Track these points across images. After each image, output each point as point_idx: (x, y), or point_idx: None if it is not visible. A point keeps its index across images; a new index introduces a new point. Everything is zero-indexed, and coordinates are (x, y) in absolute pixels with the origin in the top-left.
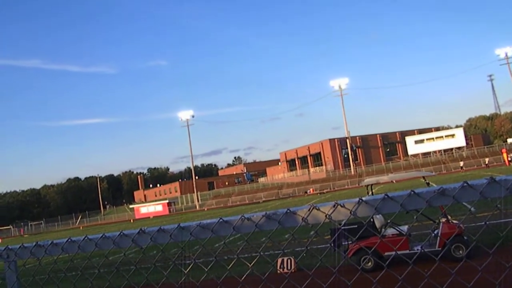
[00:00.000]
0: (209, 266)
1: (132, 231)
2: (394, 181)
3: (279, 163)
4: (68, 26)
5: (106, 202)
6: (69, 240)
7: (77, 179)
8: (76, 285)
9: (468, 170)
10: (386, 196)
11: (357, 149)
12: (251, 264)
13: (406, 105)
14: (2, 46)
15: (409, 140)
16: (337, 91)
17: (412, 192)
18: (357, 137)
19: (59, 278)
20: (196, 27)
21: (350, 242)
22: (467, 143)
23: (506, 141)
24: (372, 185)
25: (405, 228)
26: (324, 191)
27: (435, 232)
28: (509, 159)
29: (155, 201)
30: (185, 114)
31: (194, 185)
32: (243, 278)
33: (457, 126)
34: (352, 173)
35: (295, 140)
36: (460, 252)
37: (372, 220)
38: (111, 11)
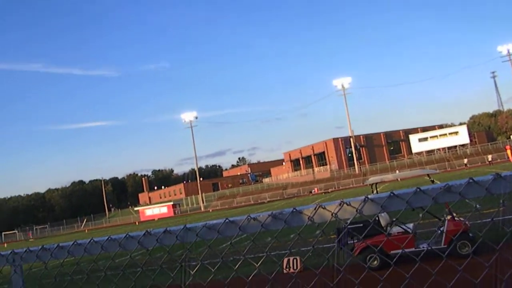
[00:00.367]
0: (216, 267)
1: (138, 233)
2: (398, 179)
3: (283, 163)
4: (70, 30)
5: (111, 205)
6: (75, 243)
7: (81, 182)
8: (83, 287)
9: (472, 168)
10: (392, 194)
11: (361, 148)
12: (258, 264)
13: (409, 103)
14: (5, 50)
15: (413, 138)
16: (340, 90)
17: (418, 189)
18: (361, 136)
19: (65, 281)
20: (197, 29)
21: (356, 240)
22: (470, 140)
23: (510, 138)
24: (376, 183)
25: (410, 226)
26: (329, 190)
27: (441, 229)
28: None
29: (160, 203)
30: (188, 116)
31: (199, 187)
32: (249, 278)
33: (460, 124)
34: (357, 172)
35: (298, 140)
36: (466, 249)
37: (377, 218)
38: (113, 14)
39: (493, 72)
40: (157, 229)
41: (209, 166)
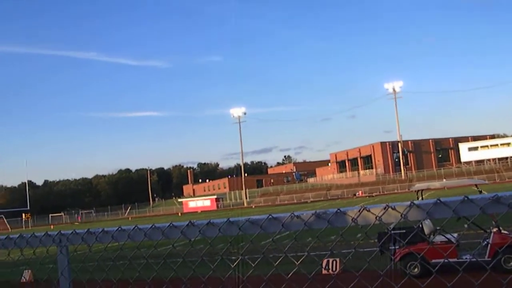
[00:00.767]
0: (256, 262)
1: (181, 223)
2: (445, 188)
3: (329, 164)
4: (125, 20)
5: (155, 195)
6: (120, 228)
7: (128, 170)
8: (124, 273)
9: None
10: (438, 201)
11: (408, 154)
12: (298, 262)
13: (461, 111)
14: (67, 38)
15: (463, 147)
16: (391, 94)
17: (466, 198)
18: (409, 142)
19: (107, 265)
20: (253, 25)
21: (398, 246)
22: None
23: None
24: (422, 190)
25: (454, 236)
26: (373, 194)
27: (486, 241)
28: None
29: (204, 196)
30: (237, 111)
31: (243, 182)
32: (289, 276)
33: None
34: (403, 177)
35: (346, 142)
36: (511, 263)
37: (421, 225)
38: (167, 7)
39: None
40: (200, 220)
41: (254, 163)
